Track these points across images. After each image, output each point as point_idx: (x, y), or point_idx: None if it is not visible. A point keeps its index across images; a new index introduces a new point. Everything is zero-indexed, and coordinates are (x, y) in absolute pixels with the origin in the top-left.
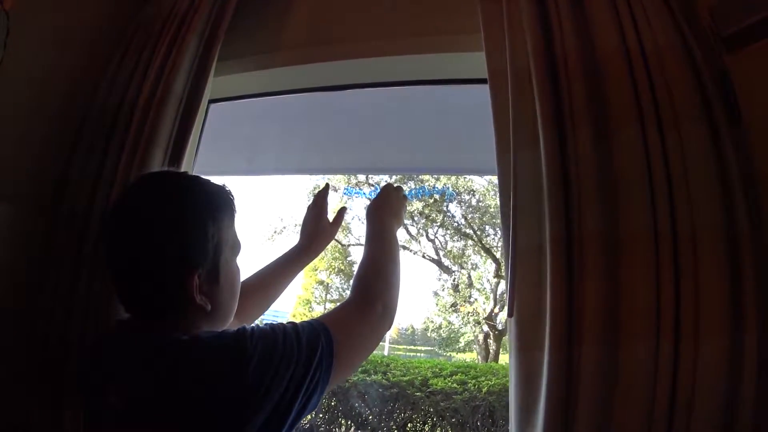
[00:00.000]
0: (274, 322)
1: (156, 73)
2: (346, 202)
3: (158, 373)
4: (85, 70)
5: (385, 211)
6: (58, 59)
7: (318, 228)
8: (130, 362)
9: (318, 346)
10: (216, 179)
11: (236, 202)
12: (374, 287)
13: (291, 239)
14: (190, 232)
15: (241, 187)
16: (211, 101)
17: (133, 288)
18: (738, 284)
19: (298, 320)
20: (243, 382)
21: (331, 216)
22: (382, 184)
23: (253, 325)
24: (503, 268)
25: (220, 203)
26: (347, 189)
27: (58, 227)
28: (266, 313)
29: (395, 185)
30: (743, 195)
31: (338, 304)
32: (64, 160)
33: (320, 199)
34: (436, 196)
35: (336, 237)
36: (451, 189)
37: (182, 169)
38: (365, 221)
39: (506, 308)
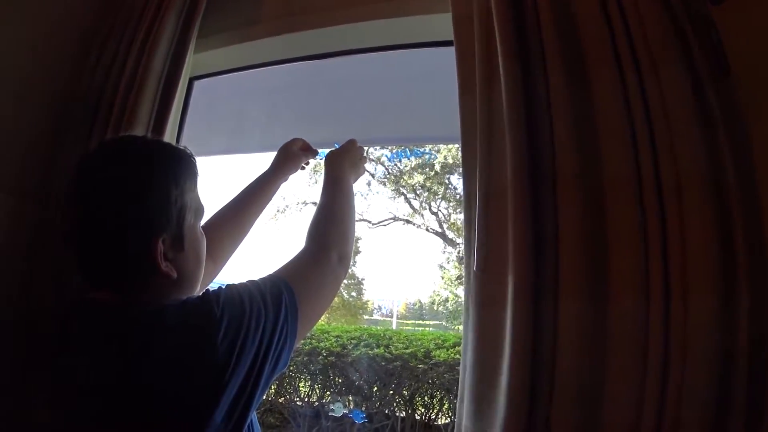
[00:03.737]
0: (236, 283)
1: (137, 52)
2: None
3: (128, 348)
4: (72, 53)
5: (343, 161)
6: (43, 44)
7: (287, 154)
8: (99, 338)
9: (282, 302)
10: (203, 159)
11: (198, 166)
12: (329, 236)
13: (294, 218)
14: (151, 197)
15: (243, 165)
16: (194, 78)
17: (96, 258)
18: (728, 234)
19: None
20: (214, 350)
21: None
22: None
23: (215, 288)
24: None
25: (182, 166)
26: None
27: (49, 212)
28: None
29: (358, 144)
30: (729, 145)
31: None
32: (51, 145)
33: (291, 142)
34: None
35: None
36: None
37: None
38: (323, 169)
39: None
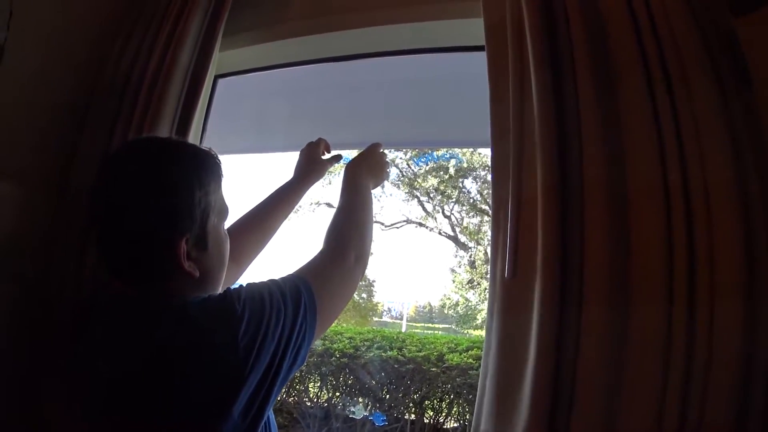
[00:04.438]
0: (256, 282)
1: (162, 47)
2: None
3: (150, 341)
4: (94, 44)
5: (362, 166)
6: (64, 35)
7: (310, 163)
8: (121, 330)
9: (301, 301)
10: (226, 157)
11: (223, 167)
12: (347, 237)
13: (307, 219)
14: (176, 197)
15: (260, 166)
16: (219, 76)
17: (121, 255)
18: (753, 241)
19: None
20: (235, 346)
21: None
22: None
23: (236, 286)
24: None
25: (206, 168)
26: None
27: (65, 203)
28: None
29: (381, 149)
30: (753, 153)
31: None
32: (72, 135)
33: (315, 143)
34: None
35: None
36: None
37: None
38: (344, 173)
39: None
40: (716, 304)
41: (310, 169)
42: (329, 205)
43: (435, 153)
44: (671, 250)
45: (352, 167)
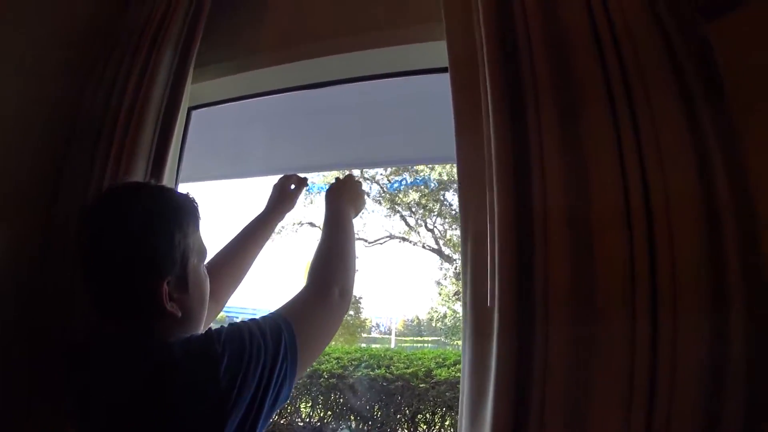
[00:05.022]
0: (237, 321)
1: (135, 82)
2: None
3: (136, 381)
4: (69, 82)
5: (342, 197)
6: (38, 74)
7: (282, 193)
8: (114, 364)
9: (282, 340)
10: (201, 185)
11: (200, 210)
12: (330, 271)
13: (290, 239)
14: (157, 243)
15: (239, 190)
16: (193, 108)
17: (107, 298)
18: (720, 254)
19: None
20: (216, 385)
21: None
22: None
23: (218, 327)
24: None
25: (185, 212)
26: (319, 186)
27: (51, 240)
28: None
29: (356, 179)
30: (724, 167)
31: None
32: (53, 174)
33: (285, 177)
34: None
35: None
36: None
37: (165, 176)
38: (324, 206)
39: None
40: (679, 320)
41: (280, 201)
42: (312, 224)
43: (407, 179)
44: (633, 270)
45: (330, 198)
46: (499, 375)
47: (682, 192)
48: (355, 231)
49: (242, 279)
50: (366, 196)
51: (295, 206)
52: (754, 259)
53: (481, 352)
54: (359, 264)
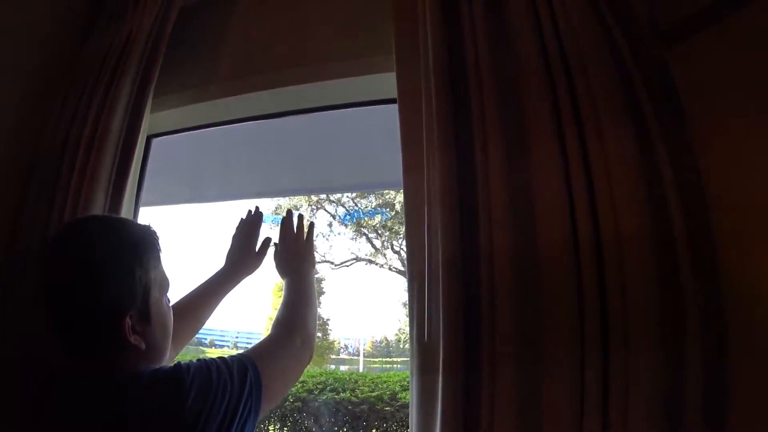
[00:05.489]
0: (206, 359)
1: (95, 113)
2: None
3: (104, 414)
4: (32, 108)
5: (292, 262)
6: (1, 97)
7: (242, 257)
8: (78, 399)
9: (247, 378)
10: (161, 209)
11: (161, 242)
12: (292, 324)
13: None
14: (118, 279)
15: (214, 213)
16: (153, 136)
17: (71, 333)
18: (676, 291)
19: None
20: (182, 416)
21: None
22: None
23: (186, 361)
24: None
25: (144, 245)
26: (273, 217)
27: (13, 277)
28: (239, 334)
29: (297, 214)
30: (679, 198)
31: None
32: (14, 203)
33: (249, 227)
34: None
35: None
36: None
37: (124, 204)
38: (279, 274)
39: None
40: (631, 356)
41: (242, 263)
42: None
43: (361, 210)
44: (582, 307)
45: (281, 268)
46: (445, 413)
47: (633, 228)
48: (313, 285)
49: (198, 329)
50: (315, 245)
51: (257, 269)
52: (709, 289)
53: (428, 388)
54: (326, 286)
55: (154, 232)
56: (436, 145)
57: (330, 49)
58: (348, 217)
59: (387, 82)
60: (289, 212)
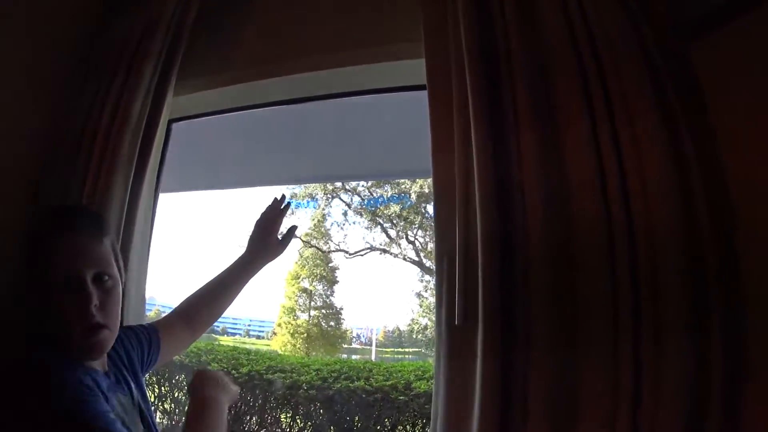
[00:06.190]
0: None
1: (115, 98)
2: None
3: None
4: (48, 95)
5: (214, 390)
6: (22, 83)
7: (265, 245)
8: None
9: None
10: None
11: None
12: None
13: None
14: None
15: (232, 200)
16: (173, 120)
17: None
18: (701, 278)
19: (278, 330)
20: None
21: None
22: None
23: None
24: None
25: None
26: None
27: None
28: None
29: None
30: (704, 190)
31: None
32: (32, 188)
33: (273, 214)
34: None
35: (317, 244)
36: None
37: (144, 189)
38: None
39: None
40: (662, 341)
41: (264, 250)
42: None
43: (384, 196)
44: (615, 289)
45: (203, 394)
46: (484, 398)
47: (664, 216)
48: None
49: (219, 316)
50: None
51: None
52: (733, 273)
53: (458, 374)
54: (340, 275)
55: None
56: (472, 124)
57: (353, 35)
58: (371, 202)
59: (406, 70)
60: (283, 197)
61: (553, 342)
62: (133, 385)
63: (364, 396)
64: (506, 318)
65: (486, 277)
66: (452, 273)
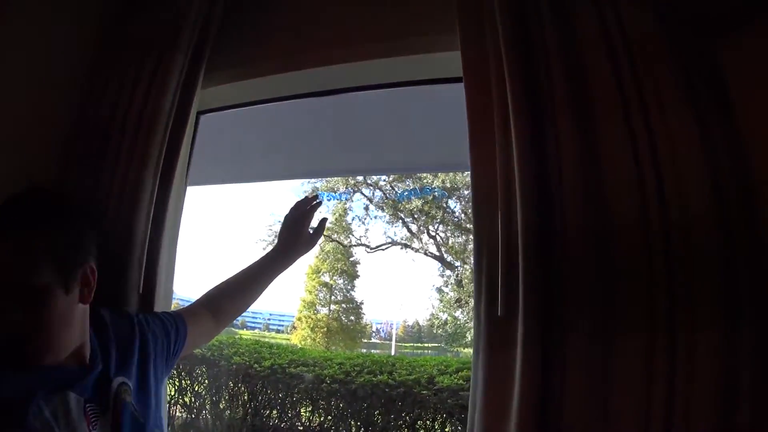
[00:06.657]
0: None
1: (144, 90)
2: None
3: None
4: (74, 88)
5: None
6: (50, 72)
7: (297, 237)
8: None
9: None
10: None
11: None
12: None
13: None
14: None
15: (249, 192)
16: (201, 112)
17: None
18: (733, 272)
19: (298, 324)
20: None
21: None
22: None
23: None
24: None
25: None
26: (327, 194)
27: None
28: (271, 316)
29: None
30: (735, 185)
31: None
32: (57, 176)
33: (304, 207)
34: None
35: (338, 238)
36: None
37: (175, 181)
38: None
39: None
40: (697, 333)
41: (294, 244)
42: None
43: (417, 188)
44: (652, 282)
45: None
46: (523, 387)
47: (699, 210)
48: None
49: (245, 309)
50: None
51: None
52: (764, 267)
53: (499, 365)
54: (361, 270)
55: None
56: (511, 116)
57: (382, 26)
58: (405, 193)
59: (449, 61)
60: (315, 196)
61: (590, 334)
62: (131, 381)
63: (387, 390)
64: (546, 310)
65: (527, 270)
66: (492, 266)
